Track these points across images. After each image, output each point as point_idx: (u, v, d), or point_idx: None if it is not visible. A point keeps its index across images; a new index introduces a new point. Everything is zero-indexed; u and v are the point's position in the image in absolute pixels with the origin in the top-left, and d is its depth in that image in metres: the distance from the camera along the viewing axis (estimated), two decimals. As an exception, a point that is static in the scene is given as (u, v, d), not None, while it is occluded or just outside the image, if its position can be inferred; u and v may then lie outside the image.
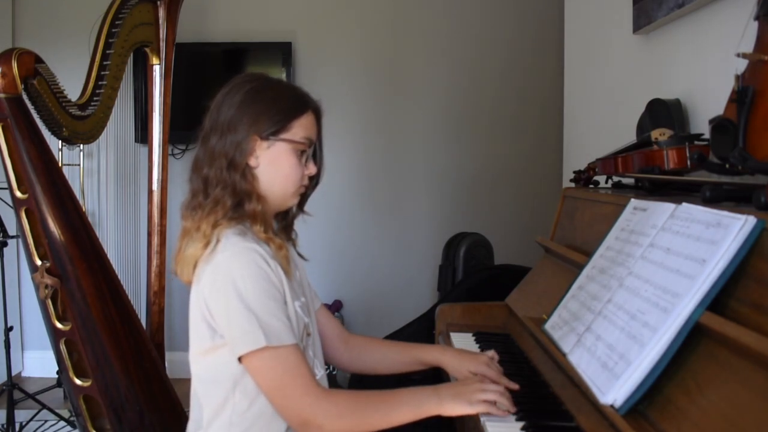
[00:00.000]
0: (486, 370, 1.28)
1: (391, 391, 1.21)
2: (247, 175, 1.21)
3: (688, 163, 1.28)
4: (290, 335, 1.14)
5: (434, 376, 1.68)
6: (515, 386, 1.24)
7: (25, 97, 1.93)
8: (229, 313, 1.13)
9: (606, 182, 1.84)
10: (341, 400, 1.16)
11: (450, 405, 1.13)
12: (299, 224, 1.38)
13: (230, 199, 1.20)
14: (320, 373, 1.30)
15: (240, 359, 1.14)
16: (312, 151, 1.27)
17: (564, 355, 1.17)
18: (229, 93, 1.25)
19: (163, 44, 2.25)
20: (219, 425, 1.19)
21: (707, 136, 1.24)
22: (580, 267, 1.35)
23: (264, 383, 1.14)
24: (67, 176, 2.07)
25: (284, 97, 1.25)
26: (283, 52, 3.55)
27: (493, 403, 1.12)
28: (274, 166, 1.23)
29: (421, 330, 2.44)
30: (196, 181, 1.24)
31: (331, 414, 1.12)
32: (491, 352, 1.35)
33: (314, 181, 1.32)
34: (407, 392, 1.18)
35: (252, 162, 1.22)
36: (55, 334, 1.96)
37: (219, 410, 1.19)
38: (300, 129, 1.24)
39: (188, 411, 1.29)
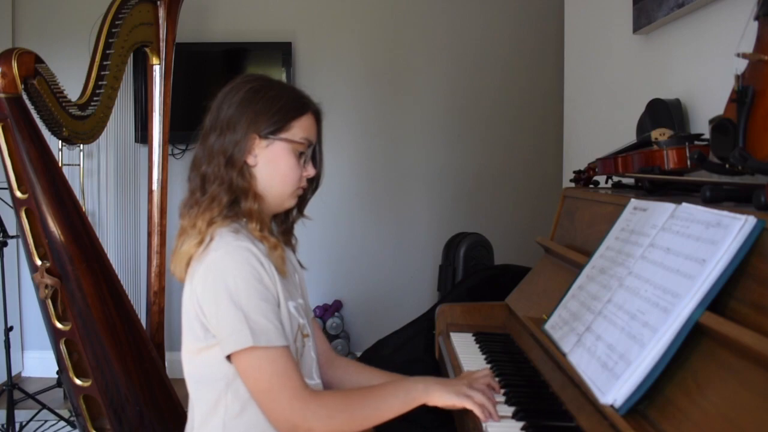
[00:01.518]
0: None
1: (378, 385, 1.22)
2: (245, 173, 1.21)
3: (688, 163, 1.28)
4: (281, 337, 1.13)
5: (436, 367, 1.68)
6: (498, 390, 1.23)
7: (25, 97, 1.93)
8: (219, 311, 1.12)
9: (606, 182, 1.84)
10: (329, 400, 1.16)
11: (437, 393, 1.13)
12: (299, 224, 1.38)
13: (226, 195, 1.19)
14: (314, 380, 1.28)
15: (231, 360, 1.13)
16: (311, 153, 1.27)
17: (564, 355, 1.17)
18: (229, 92, 1.25)
19: (163, 44, 2.25)
20: (213, 426, 1.18)
21: (707, 136, 1.24)
22: (580, 267, 1.35)
23: (252, 385, 1.13)
24: (67, 176, 2.08)
25: (285, 97, 1.25)
26: (283, 52, 3.55)
27: (482, 399, 1.12)
28: (272, 165, 1.23)
29: (421, 330, 2.43)
30: (194, 179, 1.24)
31: (321, 415, 1.11)
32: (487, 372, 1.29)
33: (314, 184, 1.32)
34: (393, 384, 1.18)
35: (250, 160, 1.22)
36: (55, 334, 1.97)
37: (212, 411, 1.18)
38: (299, 129, 1.24)
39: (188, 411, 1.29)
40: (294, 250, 1.38)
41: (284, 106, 1.23)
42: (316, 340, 1.38)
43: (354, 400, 1.15)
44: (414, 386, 1.15)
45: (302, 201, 1.33)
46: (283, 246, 1.26)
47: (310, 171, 1.27)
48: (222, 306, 1.11)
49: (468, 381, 1.18)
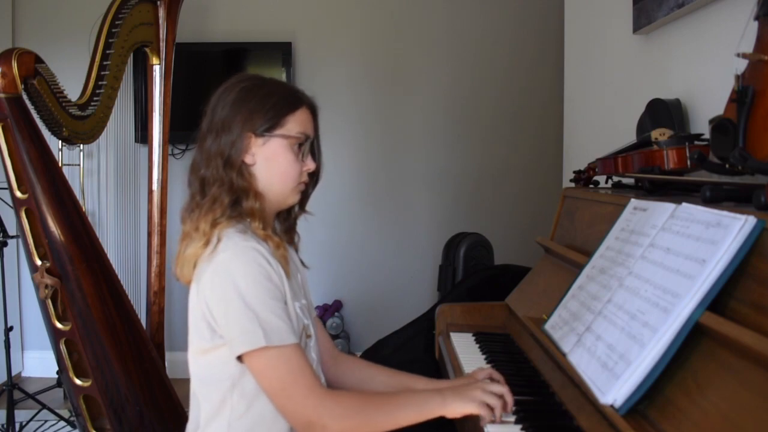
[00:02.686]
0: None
1: (396, 392, 1.21)
2: (244, 173, 1.21)
3: (688, 163, 1.28)
4: (292, 335, 1.13)
5: (436, 367, 1.67)
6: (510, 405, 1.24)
7: (25, 97, 1.93)
8: (229, 312, 1.12)
9: (606, 182, 1.84)
10: (345, 399, 1.16)
11: (454, 405, 1.12)
12: (300, 224, 1.38)
13: (227, 196, 1.19)
14: (321, 378, 1.28)
15: (241, 359, 1.13)
16: (309, 147, 1.26)
17: (564, 355, 1.17)
18: (222, 93, 1.25)
19: (163, 44, 2.25)
20: (217, 426, 1.19)
21: (707, 136, 1.24)
22: (580, 267, 1.35)
23: (266, 384, 1.13)
24: (67, 176, 2.08)
25: (277, 93, 1.25)
26: (283, 52, 3.55)
27: (497, 403, 1.11)
28: (270, 162, 1.23)
29: (421, 330, 2.43)
30: (194, 182, 1.24)
31: (336, 414, 1.11)
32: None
33: (314, 178, 1.32)
34: (412, 393, 1.18)
35: (248, 159, 1.22)
36: (55, 334, 1.97)
37: (217, 411, 1.19)
38: (295, 124, 1.23)
39: (189, 411, 1.29)
40: (297, 249, 1.38)
41: (277, 102, 1.23)
42: (319, 338, 1.38)
43: (370, 404, 1.15)
44: (431, 398, 1.14)
45: (304, 196, 1.32)
46: (285, 246, 1.25)
47: (310, 165, 1.26)
48: (232, 306, 1.11)
49: (482, 385, 1.16)
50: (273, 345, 1.10)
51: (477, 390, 1.13)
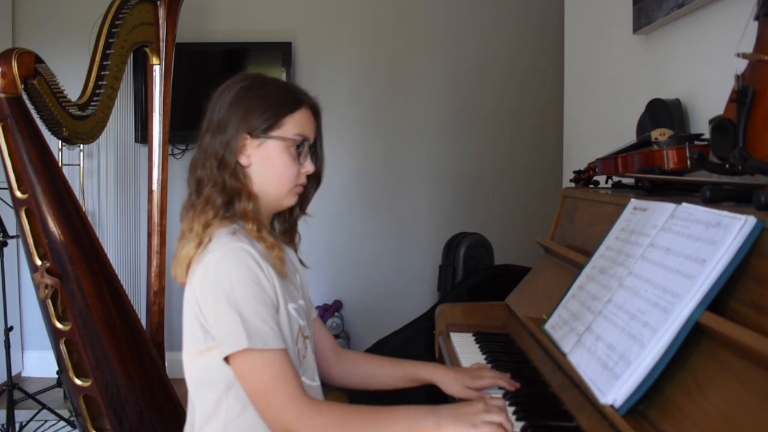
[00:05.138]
0: (483, 373, 1.27)
1: (385, 407, 1.13)
2: (238, 174, 1.20)
3: (688, 163, 1.28)
4: (277, 340, 1.11)
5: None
6: (516, 384, 1.25)
7: (25, 97, 1.93)
8: (216, 313, 1.11)
9: (606, 182, 1.84)
10: (328, 411, 1.11)
11: (449, 427, 1.04)
12: (299, 224, 1.37)
13: (220, 197, 1.18)
14: (316, 382, 1.28)
15: (228, 362, 1.12)
16: (310, 148, 1.25)
17: (564, 355, 1.17)
18: (222, 93, 1.24)
19: (163, 44, 2.25)
20: (213, 428, 1.18)
21: (707, 136, 1.24)
22: (580, 267, 1.35)
23: (249, 387, 1.11)
24: (67, 176, 2.07)
25: (275, 93, 1.23)
26: (283, 52, 3.55)
27: (499, 425, 1.04)
28: (266, 164, 1.21)
29: (421, 330, 2.44)
30: (191, 182, 1.24)
31: (316, 425, 1.07)
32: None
33: (315, 180, 1.31)
34: (402, 409, 1.09)
35: (243, 161, 1.21)
36: (55, 334, 1.97)
37: (212, 413, 1.18)
38: (292, 126, 1.22)
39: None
40: (296, 249, 1.37)
41: (274, 103, 1.21)
42: (320, 337, 1.38)
43: (354, 417, 1.10)
44: (424, 418, 1.06)
45: (304, 198, 1.31)
46: (281, 246, 1.24)
47: (309, 167, 1.25)
48: (219, 307, 1.11)
49: (483, 404, 1.08)
50: (256, 347, 1.08)
51: (478, 414, 1.05)
